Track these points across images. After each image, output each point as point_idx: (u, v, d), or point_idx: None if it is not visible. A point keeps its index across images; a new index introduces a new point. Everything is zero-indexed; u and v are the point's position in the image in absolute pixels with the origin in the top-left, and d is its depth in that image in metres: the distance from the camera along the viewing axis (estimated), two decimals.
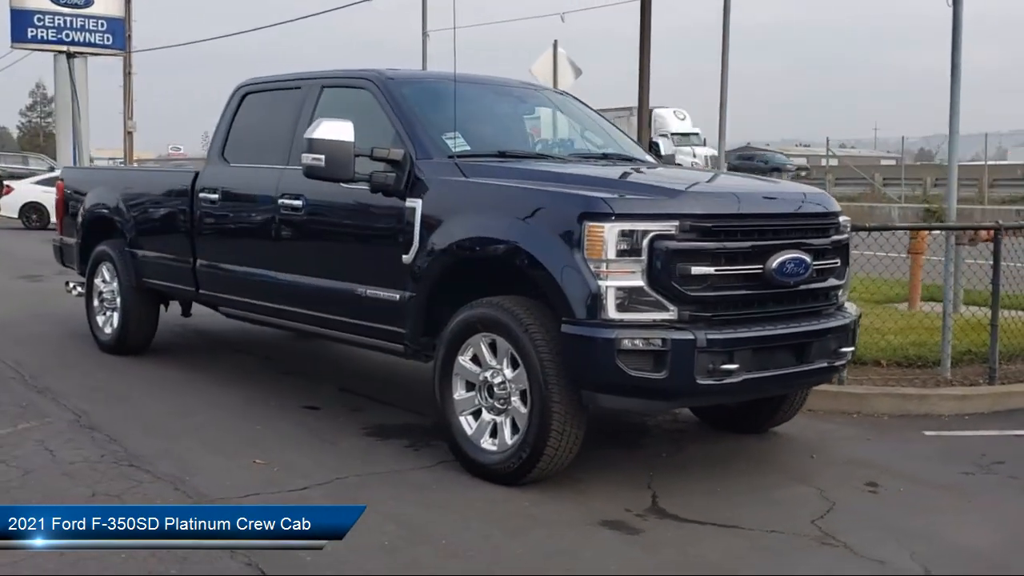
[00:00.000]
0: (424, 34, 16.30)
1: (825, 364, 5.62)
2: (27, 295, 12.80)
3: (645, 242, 5.00)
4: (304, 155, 6.03)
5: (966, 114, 8.97)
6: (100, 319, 8.98)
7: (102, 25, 33.87)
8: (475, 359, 5.57)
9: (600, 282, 4.97)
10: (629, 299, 5.00)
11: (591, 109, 7.59)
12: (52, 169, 39.55)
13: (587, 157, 6.69)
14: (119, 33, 34.72)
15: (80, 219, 9.12)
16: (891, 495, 5.56)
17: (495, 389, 5.44)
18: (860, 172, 41.12)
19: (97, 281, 8.96)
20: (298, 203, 6.69)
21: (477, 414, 5.58)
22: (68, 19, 33.24)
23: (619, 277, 4.99)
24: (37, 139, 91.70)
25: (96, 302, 9.00)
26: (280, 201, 6.81)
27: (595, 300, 4.98)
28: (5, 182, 28.17)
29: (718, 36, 14.32)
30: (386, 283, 6.08)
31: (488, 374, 5.48)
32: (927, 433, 6.87)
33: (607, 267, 4.98)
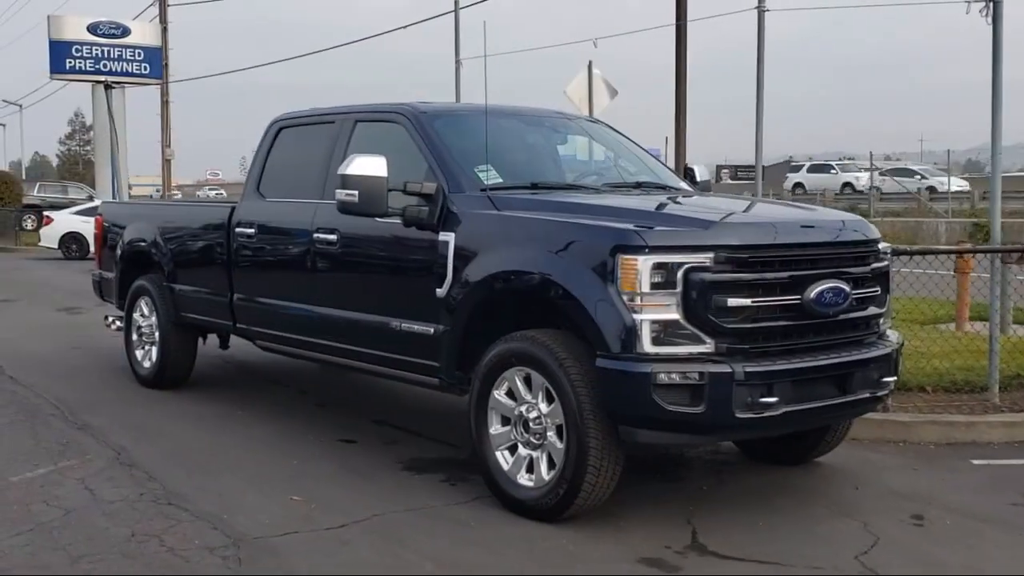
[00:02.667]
0: (457, 62, 16.27)
1: (867, 395, 5.52)
2: (66, 329, 12.92)
3: (680, 274, 4.94)
4: (338, 191, 6.04)
5: (1015, 123, 8.74)
6: (138, 353, 9.04)
7: (139, 55, 34.38)
8: (510, 393, 5.54)
9: (634, 315, 4.92)
10: (664, 332, 4.94)
11: (625, 136, 7.55)
12: (91, 198, 40.15)
13: (621, 187, 6.65)
14: (156, 62, 35.19)
15: (119, 253, 9.20)
16: (937, 528, 5.45)
17: (531, 424, 5.41)
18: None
19: (135, 315, 9.03)
20: (332, 237, 6.70)
21: (513, 449, 5.54)
22: (105, 49, 33.77)
23: (654, 310, 4.94)
24: (76, 167, 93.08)
25: (135, 336, 9.06)
26: (315, 235, 6.83)
27: (630, 334, 4.93)
28: (45, 213, 28.54)
29: (745, 54, 14.25)
30: (420, 316, 6.07)
31: (523, 409, 5.44)
32: (975, 462, 6.73)
33: (641, 300, 4.93)
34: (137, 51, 34.26)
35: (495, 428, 5.61)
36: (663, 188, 6.80)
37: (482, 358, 5.64)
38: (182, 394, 8.65)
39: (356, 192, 5.96)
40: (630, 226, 5.13)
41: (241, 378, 9.60)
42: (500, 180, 6.16)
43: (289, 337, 7.28)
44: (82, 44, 33.42)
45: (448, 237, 5.88)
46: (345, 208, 6.06)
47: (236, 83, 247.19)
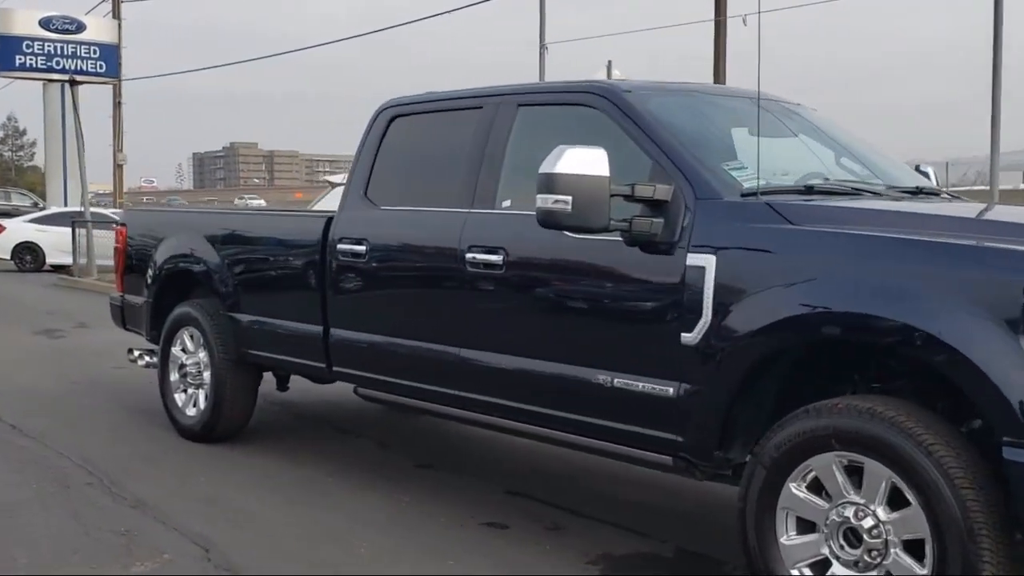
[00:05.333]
0: (542, 47, 14.69)
1: None
2: (54, 357, 10.99)
3: None
4: (541, 196, 4.35)
5: None
6: (179, 397, 7.23)
7: (95, 52, 32.18)
8: (816, 487, 3.89)
9: None
10: None
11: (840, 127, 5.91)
12: (36, 205, 37.75)
13: (903, 191, 5.05)
14: (112, 60, 32.99)
15: (152, 273, 7.38)
16: None
17: (862, 535, 3.75)
18: None
19: (175, 350, 7.22)
20: (495, 258, 5.01)
21: (822, 566, 3.89)
22: (59, 46, 31.53)
23: None
24: (9, 173, 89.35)
25: (174, 376, 7.25)
26: (468, 256, 5.13)
27: None
28: None
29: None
30: (648, 370, 4.41)
31: (846, 511, 3.79)
32: None
33: None
34: (93, 48, 32.02)
35: (789, 537, 3.95)
36: (938, 195, 5.23)
37: (769, 436, 3.99)
38: (239, 449, 6.87)
39: (569, 198, 4.28)
40: None
41: (301, 426, 7.83)
42: (759, 181, 4.51)
43: (419, 388, 5.54)
44: (33, 40, 31.12)
45: (703, 261, 4.22)
46: (551, 219, 4.38)
47: (170, 89, 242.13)
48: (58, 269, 24.01)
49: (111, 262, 20.61)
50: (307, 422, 7.95)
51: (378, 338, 5.73)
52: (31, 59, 31.10)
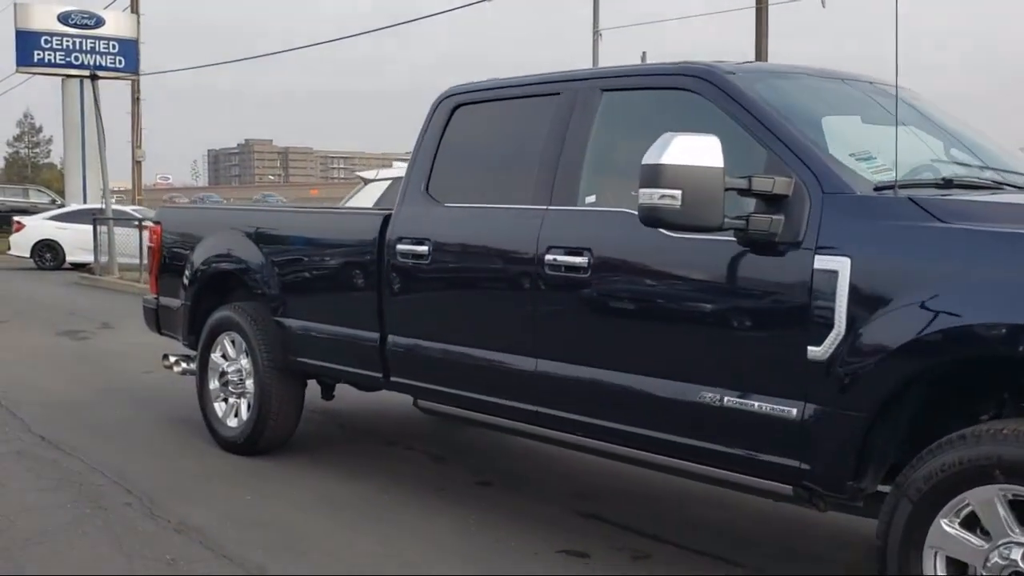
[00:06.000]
0: (595, 32, 14.21)
1: None
2: (79, 360, 10.55)
3: None
4: (645, 191, 3.85)
5: None
6: (219, 407, 6.76)
7: (113, 47, 31.78)
8: (970, 523, 3.38)
9: None
10: None
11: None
12: (54, 202, 37.42)
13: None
14: (131, 55, 32.54)
15: (191, 274, 6.90)
16: None
17: None
18: None
19: (215, 356, 6.75)
20: (579, 260, 4.51)
21: None
22: (77, 41, 31.13)
23: None
24: (25, 171, 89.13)
25: (214, 384, 6.78)
26: (547, 258, 4.64)
27: None
28: (16, 218, 25.89)
29: None
30: (766, 388, 3.91)
31: (1012, 553, 3.28)
32: None
33: None
34: (112, 43, 31.61)
35: None
36: None
37: (916, 464, 3.48)
38: (286, 463, 6.40)
39: (678, 193, 3.78)
40: None
41: (346, 436, 7.36)
42: (893, 175, 3.98)
43: (487, 402, 5.06)
44: (52, 35, 30.70)
45: (834, 264, 3.71)
46: (656, 218, 3.88)
47: (183, 86, 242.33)
48: (78, 267, 23.64)
49: (133, 260, 20.39)
50: (353, 432, 7.49)
51: (442, 346, 5.24)
52: (49, 54, 30.70)
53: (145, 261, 19.80)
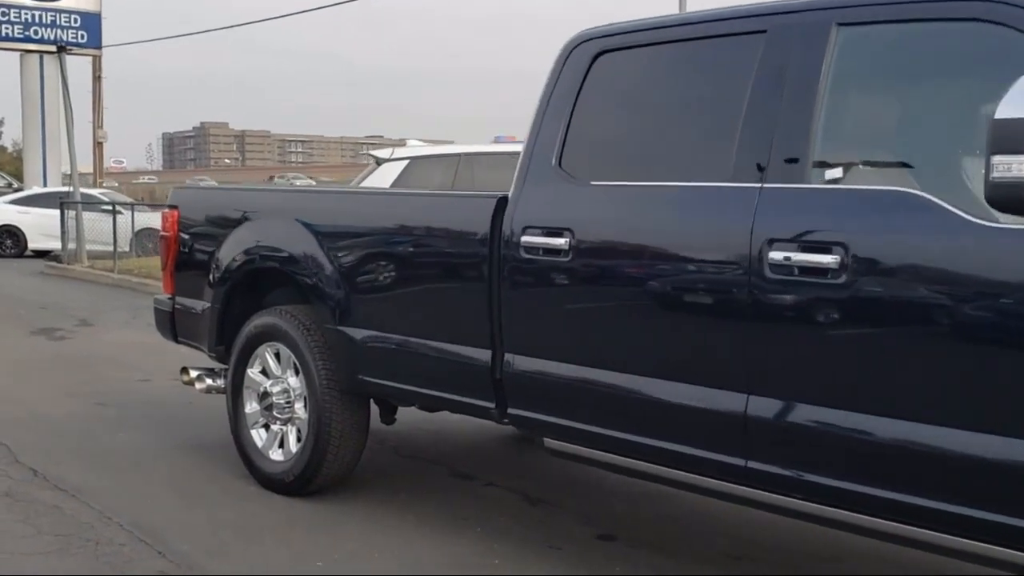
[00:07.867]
0: None
1: None
2: (62, 367, 9.11)
3: None
4: (1000, 159, 2.61)
5: None
6: (258, 435, 5.43)
7: (75, 20, 29.86)
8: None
9: None
10: None
11: None
12: (10, 186, 35.59)
13: None
14: (94, 30, 30.60)
15: (220, 271, 5.55)
16: None
17: None
18: None
19: (254, 373, 5.40)
20: (827, 259, 3.24)
21: None
22: (36, 14, 29.18)
23: None
24: None
25: (251, 406, 5.44)
26: (771, 256, 3.37)
27: None
28: None
29: None
30: None
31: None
32: None
33: None
34: (73, 16, 29.68)
35: None
36: None
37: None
38: (350, 510, 5.11)
39: None
40: None
41: (409, 468, 6.04)
42: None
43: (668, 451, 3.77)
44: (9, 7, 28.75)
45: None
46: (1018, 197, 2.63)
47: (139, 67, 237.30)
48: (41, 255, 22.04)
49: (103, 247, 18.86)
50: (413, 461, 6.17)
51: (593, 373, 3.95)
52: (7, 28, 28.70)
53: (121, 249, 18.44)
